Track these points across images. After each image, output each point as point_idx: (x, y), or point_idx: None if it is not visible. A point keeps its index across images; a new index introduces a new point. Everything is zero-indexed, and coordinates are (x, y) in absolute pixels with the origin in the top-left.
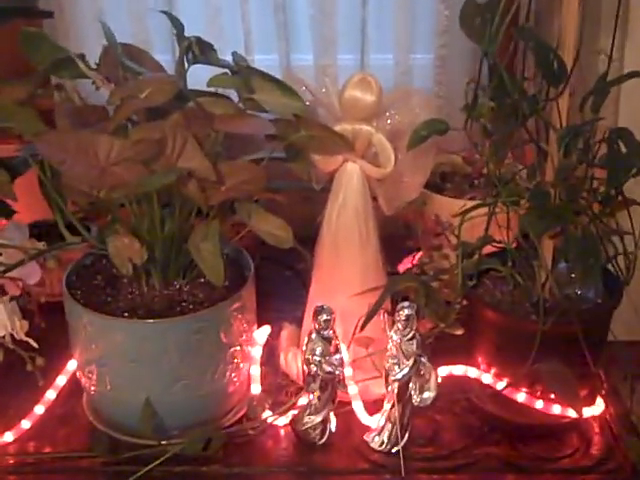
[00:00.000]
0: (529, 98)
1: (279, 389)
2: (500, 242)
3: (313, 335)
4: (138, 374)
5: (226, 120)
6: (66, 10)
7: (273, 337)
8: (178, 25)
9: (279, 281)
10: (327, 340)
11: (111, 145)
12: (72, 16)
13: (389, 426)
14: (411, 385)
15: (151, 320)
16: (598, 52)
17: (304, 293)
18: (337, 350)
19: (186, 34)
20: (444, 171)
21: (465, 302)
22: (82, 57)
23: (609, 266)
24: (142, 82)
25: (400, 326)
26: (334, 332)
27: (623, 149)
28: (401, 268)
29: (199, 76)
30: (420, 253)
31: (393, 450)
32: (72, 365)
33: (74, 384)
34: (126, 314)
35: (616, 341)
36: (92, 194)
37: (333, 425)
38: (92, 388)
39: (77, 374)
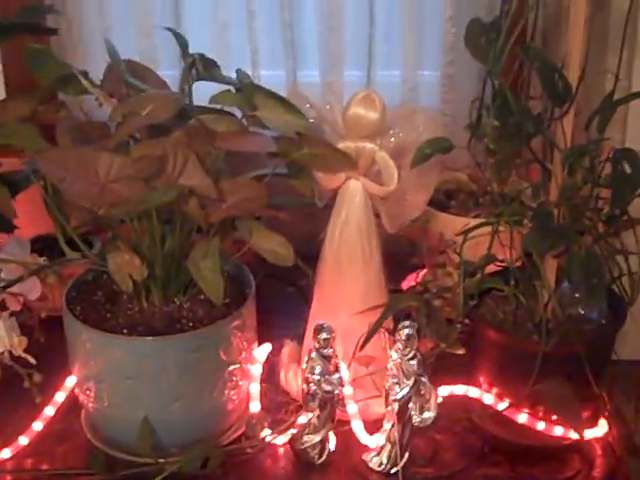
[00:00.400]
0: (533, 118)
1: (279, 407)
2: (503, 261)
3: (313, 353)
4: (136, 391)
5: (228, 138)
6: (74, 27)
7: (274, 354)
8: (182, 42)
9: (281, 298)
10: (327, 359)
11: (111, 162)
12: (80, 33)
13: (388, 446)
14: (411, 405)
15: (150, 337)
16: (605, 71)
17: (306, 310)
18: (337, 369)
19: (193, 50)
20: (449, 188)
21: (467, 321)
22: (85, 74)
23: (613, 286)
24: (144, 99)
25: (401, 345)
26: (334, 351)
27: (628, 169)
28: (405, 286)
29: (206, 92)
30: (424, 271)
31: (392, 470)
32: (71, 381)
33: (73, 401)
34: (125, 331)
35: (620, 361)
36: (93, 211)
37: (332, 444)
38: (90, 405)
39: (75, 390)
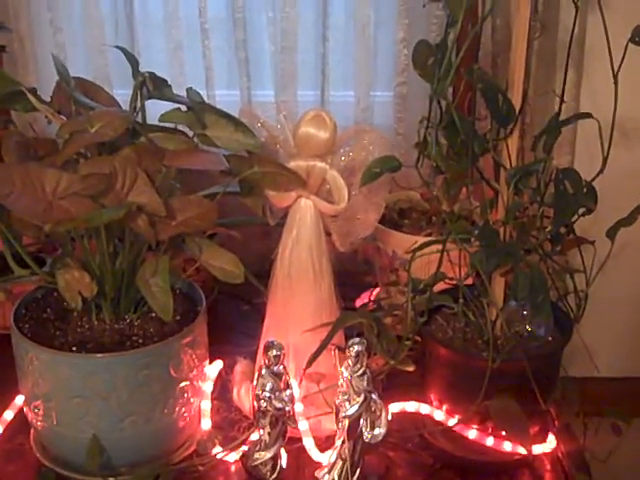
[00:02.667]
0: (479, 137)
1: (231, 424)
2: (453, 279)
3: (263, 371)
4: (85, 410)
5: (177, 155)
6: (27, 43)
7: (228, 372)
8: (133, 60)
9: (236, 315)
10: (277, 376)
11: (58, 179)
12: (32, 49)
13: (340, 463)
14: (362, 421)
15: (98, 355)
16: (553, 93)
17: (261, 328)
18: (287, 386)
19: (148, 69)
20: (402, 207)
21: (418, 338)
22: (34, 91)
23: (560, 304)
24: (93, 116)
25: (350, 362)
26: (285, 368)
27: (570, 189)
28: (358, 303)
29: (161, 111)
30: (378, 289)
31: None
32: (20, 399)
33: (22, 419)
34: (74, 348)
35: (569, 377)
36: (40, 227)
37: (284, 461)
38: (39, 423)
39: (24, 409)
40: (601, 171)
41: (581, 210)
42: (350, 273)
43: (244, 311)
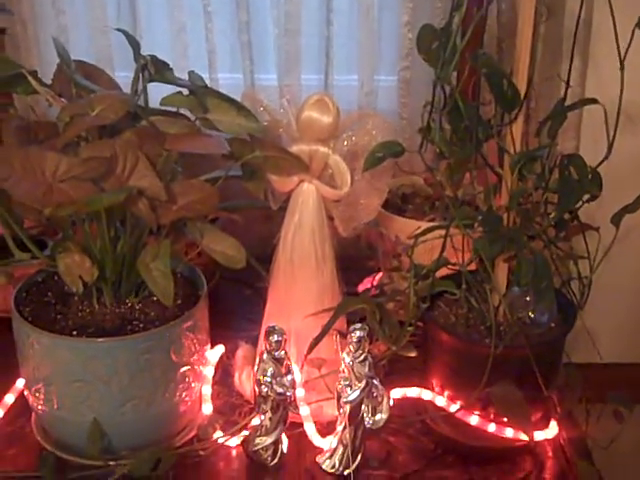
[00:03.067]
0: (483, 123)
1: (233, 409)
2: (456, 264)
3: (264, 356)
4: (86, 394)
5: (178, 139)
6: (29, 26)
7: (230, 356)
8: (134, 43)
9: (239, 299)
10: (278, 361)
11: (58, 162)
12: (35, 32)
13: (341, 448)
14: (363, 407)
15: (99, 339)
16: (559, 78)
17: (263, 312)
18: (289, 371)
19: (150, 51)
20: (405, 192)
21: (420, 324)
22: (34, 74)
23: (564, 290)
24: (93, 100)
25: (352, 348)
26: (286, 353)
27: (575, 175)
28: (361, 289)
29: (163, 94)
30: (380, 274)
31: (345, 472)
32: (21, 383)
33: (23, 402)
34: (75, 332)
35: (572, 364)
36: (40, 211)
37: (285, 446)
38: (40, 407)
39: (25, 393)
40: (606, 157)
41: (586, 196)
42: (353, 258)
43: (246, 295)
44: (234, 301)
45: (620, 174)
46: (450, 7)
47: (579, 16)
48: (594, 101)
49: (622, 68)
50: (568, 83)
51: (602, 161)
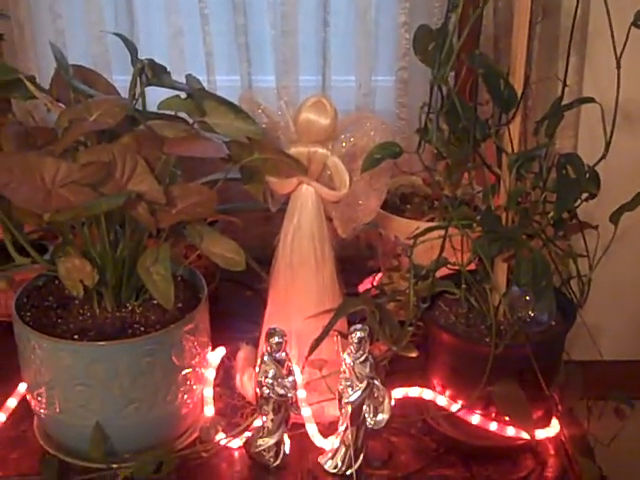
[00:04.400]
0: (481, 123)
1: (234, 411)
2: (455, 264)
3: (265, 357)
4: (88, 397)
5: (177, 143)
6: (26, 30)
7: (231, 358)
8: (131, 47)
9: (239, 301)
10: (280, 362)
11: (57, 167)
12: (32, 36)
13: (343, 448)
14: (365, 407)
15: (100, 343)
16: (557, 77)
17: (263, 313)
18: (290, 372)
19: (147, 54)
20: (404, 192)
21: (421, 324)
22: (32, 79)
23: (563, 289)
24: (91, 104)
25: (353, 348)
26: (287, 354)
27: (572, 174)
28: (361, 289)
29: (161, 98)
30: (380, 274)
31: (347, 473)
32: (23, 387)
33: (25, 406)
34: (76, 336)
35: (572, 362)
36: (40, 216)
37: (287, 447)
38: (42, 411)
39: (27, 397)
40: (604, 156)
41: (584, 195)
42: (352, 259)
43: (246, 297)
44: (234, 303)
45: (618, 172)
46: (446, 8)
47: (575, 15)
48: (591, 100)
49: (619, 67)
50: (565, 82)
51: (600, 160)
